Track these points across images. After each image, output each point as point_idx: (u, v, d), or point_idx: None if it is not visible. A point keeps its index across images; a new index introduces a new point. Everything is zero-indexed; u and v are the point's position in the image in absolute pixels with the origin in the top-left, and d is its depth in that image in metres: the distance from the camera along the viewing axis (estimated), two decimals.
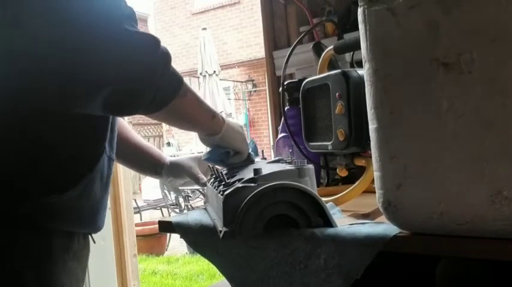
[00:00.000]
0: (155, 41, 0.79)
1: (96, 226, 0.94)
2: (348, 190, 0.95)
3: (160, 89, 0.79)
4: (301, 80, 1.13)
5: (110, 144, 0.92)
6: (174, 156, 1.27)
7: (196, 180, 1.11)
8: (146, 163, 1.15)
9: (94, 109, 0.77)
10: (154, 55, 0.77)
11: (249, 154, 0.99)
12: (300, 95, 1.09)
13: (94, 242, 1.02)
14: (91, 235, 0.99)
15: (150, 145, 1.18)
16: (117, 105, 0.78)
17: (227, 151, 0.96)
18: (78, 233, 0.91)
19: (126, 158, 1.16)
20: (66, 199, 0.82)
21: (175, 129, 11.13)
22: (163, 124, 11.01)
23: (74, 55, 0.70)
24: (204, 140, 0.97)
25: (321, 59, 1.15)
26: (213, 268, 3.49)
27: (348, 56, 1.17)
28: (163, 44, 0.81)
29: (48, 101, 0.77)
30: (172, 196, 6.18)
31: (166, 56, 0.79)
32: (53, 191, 0.81)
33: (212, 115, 0.92)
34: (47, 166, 0.80)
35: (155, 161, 1.15)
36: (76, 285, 0.89)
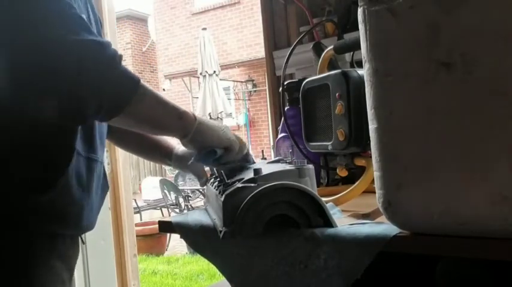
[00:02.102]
0: (100, 46, 0.76)
1: (81, 227, 0.94)
2: (348, 190, 0.95)
3: (108, 95, 0.76)
4: (301, 80, 1.13)
5: (89, 144, 0.91)
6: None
7: (198, 177, 1.09)
8: (156, 153, 1.14)
9: (49, 117, 0.77)
10: (96, 61, 0.75)
11: (248, 153, 0.96)
12: (300, 95, 1.09)
13: (83, 242, 1.02)
14: (80, 236, 1.00)
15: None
16: (66, 113, 0.76)
17: (213, 150, 0.90)
18: (63, 234, 0.91)
19: (136, 148, 1.16)
20: (43, 200, 0.83)
21: None
22: None
23: (18, 64, 0.73)
24: (183, 144, 0.92)
25: (321, 59, 1.15)
26: (213, 268, 3.49)
27: (348, 56, 1.17)
28: (113, 48, 0.78)
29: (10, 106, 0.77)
30: (172, 196, 6.18)
31: (112, 61, 0.76)
32: (27, 193, 0.82)
33: (178, 116, 0.86)
34: (18, 167, 0.81)
35: (164, 151, 1.12)
36: (61, 285, 0.89)
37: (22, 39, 0.72)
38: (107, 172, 1.13)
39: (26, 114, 0.80)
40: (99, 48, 0.75)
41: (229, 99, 9.29)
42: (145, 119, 0.84)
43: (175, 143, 1.12)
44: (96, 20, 1.02)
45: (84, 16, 0.88)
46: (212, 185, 0.91)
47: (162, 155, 1.12)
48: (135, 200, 5.34)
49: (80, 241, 1.01)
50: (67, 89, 0.73)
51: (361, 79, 0.84)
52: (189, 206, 6.02)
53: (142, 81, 0.80)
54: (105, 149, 1.11)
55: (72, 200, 0.87)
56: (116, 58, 0.77)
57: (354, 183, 0.96)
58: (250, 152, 0.99)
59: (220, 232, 0.74)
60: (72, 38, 0.73)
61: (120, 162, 2.26)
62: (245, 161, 0.96)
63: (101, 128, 0.99)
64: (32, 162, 0.83)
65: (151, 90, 0.82)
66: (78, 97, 0.74)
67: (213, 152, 0.90)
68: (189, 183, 6.55)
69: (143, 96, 0.80)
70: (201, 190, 5.81)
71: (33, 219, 0.84)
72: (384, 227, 0.68)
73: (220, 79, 8.00)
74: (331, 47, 1.10)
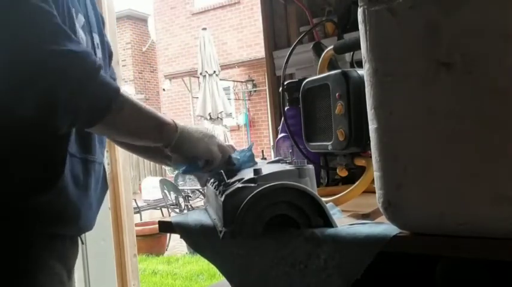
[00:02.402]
0: (78, 56, 0.76)
1: (80, 227, 0.94)
2: (348, 190, 0.95)
3: (85, 106, 0.76)
4: (301, 80, 1.13)
5: (86, 146, 0.91)
6: None
7: (198, 177, 1.09)
8: (157, 153, 1.14)
9: (29, 123, 0.78)
10: (73, 73, 0.74)
11: (230, 157, 0.93)
12: (300, 95, 1.09)
13: (83, 243, 1.02)
14: (79, 236, 1.00)
15: None
16: (43, 121, 0.77)
17: (195, 160, 0.90)
18: (63, 234, 0.91)
19: (137, 147, 1.16)
20: (42, 201, 0.83)
21: None
22: None
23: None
24: (167, 152, 0.91)
25: (321, 59, 1.15)
26: (213, 268, 3.49)
27: (348, 56, 1.17)
28: (93, 57, 0.78)
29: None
30: (172, 196, 6.18)
31: (90, 72, 0.76)
32: (26, 193, 0.82)
33: (159, 126, 0.86)
34: (18, 168, 0.82)
35: (165, 151, 1.13)
36: (59, 286, 0.89)
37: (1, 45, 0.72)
38: (107, 172, 1.12)
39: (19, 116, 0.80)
40: (78, 58, 0.75)
41: (229, 99, 9.29)
42: (124, 129, 0.84)
43: None
44: (98, 19, 1.02)
45: (80, 15, 0.88)
46: (212, 185, 0.91)
47: (163, 155, 1.12)
48: (135, 200, 5.34)
49: (79, 241, 1.01)
50: (42, 98, 0.74)
51: (361, 79, 0.84)
52: (189, 206, 6.02)
53: (122, 90, 0.80)
54: (105, 150, 1.10)
55: (69, 201, 0.87)
56: (95, 68, 0.76)
57: (354, 183, 0.96)
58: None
59: (220, 232, 0.74)
60: (50, 48, 0.72)
61: (120, 162, 2.26)
62: (228, 165, 0.93)
63: None
64: (31, 163, 0.83)
65: (132, 100, 0.82)
66: (53, 107, 0.74)
67: (194, 163, 0.90)
68: (189, 183, 6.55)
69: (122, 107, 0.80)
70: (201, 190, 5.81)
71: (33, 220, 0.84)
72: (384, 227, 0.68)
73: (220, 79, 8.00)
74: (331, 47, 1.10)
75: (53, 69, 0.73)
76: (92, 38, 0.95)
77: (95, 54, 0.95)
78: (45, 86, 0.73)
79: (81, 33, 0.88)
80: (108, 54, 1.07)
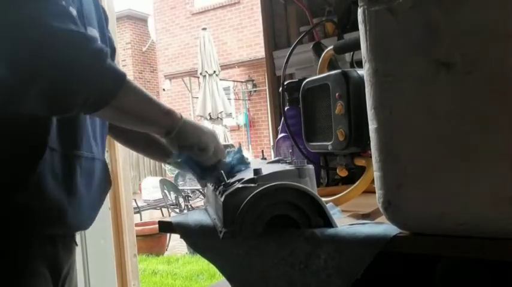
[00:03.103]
0: (85, 38, 0.76)
1: (69, 227, 0.93)
2: (348, 190, 0.95)
3: (95, 88, 0.76)
4: (301, 80, 1.13)
5: (71, 140, 0.90)
6: None
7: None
8: (156, 150, 1.14)
9: (31, 107, 0.76)
10: (83, 53, 0.75)
11: (219, 160, 0.93)
12: (300, 95, 1.09)
13: (76, 244, 1.02)
14: (73, 238, 0.99)
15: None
16: (52, 102, 0.76)
17: (192, 150, 0.91)
18: (52, 234, 0.90)
19: (136, 144, 1.16)
20: (20, 200, 0.82)
21: None
22: None
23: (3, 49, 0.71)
24: (166, 141, 0.92)
25: (321, 59, 1.15)
26: (213, 268, 3.49)
27: (348, 56, 1.17)
28: (100, 43, 0.78)
29: None
30: (172, 196, 6.18)
31: (99, 53, 0.76)
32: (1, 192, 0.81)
33: (164, 112, 0.87)
34: None
35: (165, 149, 1.10)
36: (43, 283, 0.88)
37: (5, 21, 0.71)
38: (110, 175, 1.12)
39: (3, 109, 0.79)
40: (86, 40, 0.75)
41: (229, 99, 9.29)
42: (130, 112, 0.84)
43: None
44: (99, 15, 1.02)
45: (71, 8, 0.87)
46: (212, 185, 0.91)
47: (162, 153, 1.11)
48: (135, 200, 5.34)
49: (74, 243, 1.00)
50: (55, 77, 0.73)
51: (361, 79, 0.84)
52: (189, 206, 6.02)
53: (127, 77, 0.81)
54: (106, 150, 1.09)
55: (48, 198, 0.85)
56: (103, 52, 0.77)
57: (354, 183, 0.96)
58: (248, 154, 0.98)
59: (220, 232, 0.74)
60: (59, 26, 0.72)
61: (120, 162, 2.26)
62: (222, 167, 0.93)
63: (93, 123, 0.98)
64: (7, 156, 0.82)
65: (137, 86, 0.83)
66: (67, 86, 0.74)
67: (190, 151, 0.91)
68: (189, 183, 6.55)
69: (129, 91, 0.80)
70: (201, 190, 5.81)
71: (16, 219, 0.83)
72: (384, 227, 0.68)
73: (220, 79, 8.00)
74: (331, 47, 1.10)
75: (65, 48, 0.73)
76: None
77: None
78: (55, 65, 0.72)
79: None
80: (111, 51, 1.07)
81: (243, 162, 0.94)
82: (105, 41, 1.03)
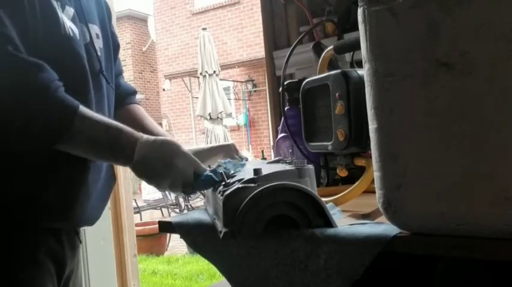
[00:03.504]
0: (34, 68, 0.75)
1: (74, 222, 0.94)
2: (348, 190, 0.95)
3: (39, 132, 0.76)
4: (301, 80, 1.13)
5: None
6: None
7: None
8: None
9: None
10: (26, 90, 0.75)
11: (220, 172, 0.85)
12: (300, 95, 1.09)
13: (80, 242, 1.02)
14: (78, 234, 0.99)
15: (164, 133, 1.14)
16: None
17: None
18: (57, 228, 0.91)
19: None
20: (26, 195, 0.83)
21: (174, 129, 11.14)
22: (163, 123, 11.02)
23: None
24: None
25: (321, 59, 1.15)
26: (213, 268, 3.49)
27: (348, 56, 1.17)
28: (48, 71, 0.76)
29: None
30: (172, 196, 6.18)
31: (43, 92, 0.75)
32: (9, 182, 0.82)
33: (115, 152, 0.84)
34: None
35: None
36: (48, 279, 0.88)
37: None
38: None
39: None
40: (33, 70, 0.75)
41: (229, 99, 9.29)
42: (82, 152, 0.84)
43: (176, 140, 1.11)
44: (101, 11, 1.02)
45: (68, 7, 0.87)
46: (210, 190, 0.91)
47: None
48: (135, 200, 5.34)
49: (77, 240, 1.00)
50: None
51: (361, 79, 0.84)
52: (189, 206, 6.02)
53: (80, 108, 0.79)
54: None
55: (56, 194, 0.86)
56: (50, 80, 0.76)
57: (354, 183, 0.96)
58: (248, 154, 0.96)
59: (220, 232, 0.74)
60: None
61: None
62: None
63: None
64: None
65: (88, 125, 0.81)
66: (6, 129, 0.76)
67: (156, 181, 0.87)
68: None
69: (76, 134, 0.79)
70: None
71: (20, 213, 0.84)
72: (384, 227, 0.68)
73: (220, 79, 8.00)
74: (331, 47, 1.10)
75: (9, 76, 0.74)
76: (88, 29, 0.94)
77: (94, 45, 0.95)
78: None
79: (70, 24, 0.88)
80: (114, 47, 1.07)
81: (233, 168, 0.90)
82: (107, 37, 1.03)
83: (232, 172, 0.88)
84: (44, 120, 0.76)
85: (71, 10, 0.89)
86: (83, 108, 0.81)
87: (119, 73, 1.14)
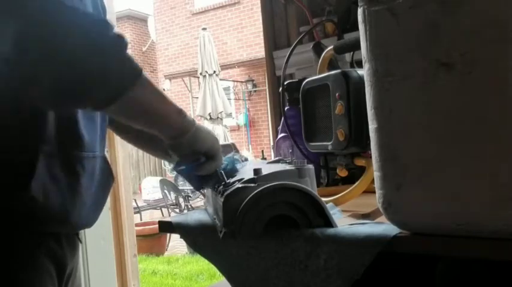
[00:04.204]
0: (103, 22, 0.72)
1: (73, 226, 0.92)
2: (348, 190, 0.95)
3: (113, 79, 0.71)
4: (301, 80, 1.13)
5: (72, 141, 0.88)
6: None
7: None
8: (158, 146, 1.12)
9: (37, 96, 0.72)
10: (102, 39, 0.70)
11: (220, 172, 0.87)
12: (300, 95, 1.09)
13: (81, 242, 1.02)
14: (77, 235, 0.99)
15: None
16: (63, 91, 0.70)
17: (198, 157, 0.86)
18: (56, 232, 0.90)
19: (136, 139, 1.14)
20: (21, 201, 0.81)
21: None
22: None
23: (19, 37, 0.66)
24: (171, 146, 0.87)
25: (321, 59, 1.15)
26: (213, 268, 3.49)
27: (348, 56, 1.17)
28: (119, 31, 0.74)
29: None
30: (172, 196, 6.18)
31: (119, 42, 0.72)
32: (3, 193, 0.80)
33: (178, 111, 0.83)
34: None
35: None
36: (49, 282, 0.88)
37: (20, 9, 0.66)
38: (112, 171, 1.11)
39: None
40: (104, 26, 0.72)
41: (229, 99, 9.29)
42: (144, 108, 0.80)
43: None
44: (98, 12, 1.01)
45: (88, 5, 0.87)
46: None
47: (163, 149, 1.10)
48: (135, 200, 5.34)
49: (77, 240, 1.00)
50: (67, 63, 0.68)
51: (361, 79, 0.84)
52: (189, 206, 6.02)
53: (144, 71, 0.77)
54: (106, 150, 1.09)
55: (51, 199, 0.84)
56: (123, 41, 0.73)
57: (354, 183, 0.96)
58: (248, 154, 0.97)
59: (220, 232, 0.74)
60: (73, 6, 0.70)
61: (120, 162, 2.26)
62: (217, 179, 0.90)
63: (92, 120, 0.97)
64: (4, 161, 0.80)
65: (152, 82, 0.80)
66: (81, 73, 0.69)
67: (198, 160, 0.86)
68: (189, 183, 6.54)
69: (145, 85, 0.77)
70: (201, 190, 5.80)
71: (17, 218, 0.83)
72: (384, 227, 0.68)
73: (220, 79, 8.00)
74: (331, 47, 1.10)
75: (78, 30, 0.69)
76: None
77: None
78: (68, 49, 0.68)
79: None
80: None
81: (236, 162, 0.93)
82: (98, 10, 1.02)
83: (238, 166, 0.91)
84: (120, 67, 0.73)
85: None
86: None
87: None
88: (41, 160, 0.81)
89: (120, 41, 0.73)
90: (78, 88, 0.71)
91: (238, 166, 0.93)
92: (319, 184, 1.20)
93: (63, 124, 0.85)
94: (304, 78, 1.09)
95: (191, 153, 0.86)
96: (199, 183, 0.91)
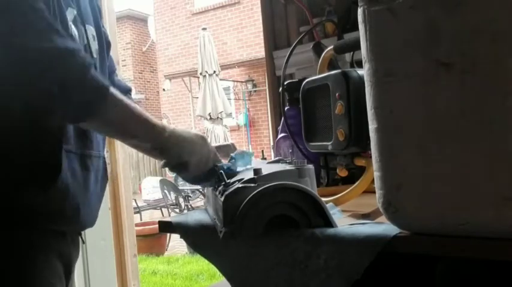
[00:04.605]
0: (68, 51, 0.75)
1: (81, 224, 0.94)
2: (348, 190, 0.95)
3: (77, 100, 0.76)
4: (301, 80, 1.13)
5: (85, 141, 0.91)
6: None
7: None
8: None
9: (20, 112, 0.79)
10: (66, 67, 0.75)
11: (220, 173, 0.87)
12: (300, 95, 1.09)
13: (84, 242, 1.02)
14: (80, 235, 1.00)
15: None
16: (36, 111, 0.78)
17: (183, 162, 0.89)
18: (64, 231, 0.91)
19: None
20: (40, 199, 0.83)
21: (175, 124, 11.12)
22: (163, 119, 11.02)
23: None
24: (153, 156, 0.91)
25: (321, 59, 1.15)
26: (213, 268, 3.48)
27: (348, 56, 1.17)
28: (83, 54, 0.78)
29: None
30: (172, 195, 6.18)
31: (82, 66, 0.76)
32: (25, 191, 0.82)
33: (151, 125, 0.85)
34: (16, 166, 0.82)
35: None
36: (59, 281, 0.89)
37: None
38: (107, 171, 1.12)
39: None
40: (70, 55, 0.75)
41: (229, 99, 9.29)
42: (113, 127, 0.84)
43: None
44: (94, 10, 1.01)
45: (70, 9, 0.87)
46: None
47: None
48: (135, 200, 5.34)
49: (80, 240, 1.01)
50: (33, 93, 0.75)
51: (361, 79, 0.84)
52: (189, 206, 6.02)
53: (112, 89, 0.80)
54: (106, 150, 1.10)
55: (69, 198, 0.87)
56: (86, 64, 0.76)
57: (354, 183, 0.96)
58: (253, 153, 0.97)
59: (220, 232, 0.74)
60: (36, 46, 0.73)
61: (120, 162, 2.26)
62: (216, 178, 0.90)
63: None
64: (27, 161, 0.83)
65: (122, 99, 0.82)
66: (44, 102, 0.75)
67: (183, 165, 0.89)
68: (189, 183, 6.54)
69: (112, 105, 0.79)
70: (201, 190, 5.81)
71: (33, 217, 0.84)
72: (384, 227, 0.68)
73: (220, 79, 7.99)
74: (331, 47, 1.10)
75: (45, 66, 0.74)
76: (86, 30, 0.95)
77: (90, 46, 0.95)
78: (36, 82, 0.73)
79: (72, 27, 0.88)
80: (106, 45, 1.07)
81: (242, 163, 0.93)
82: (101, 37, 1.03)
83: (241, 163, 0.92)
84: (82, 91, 0.77)
85: (73, 12, 0.90)
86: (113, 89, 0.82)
87: (112, 71, 1.14)
88: (63, 157, 0.85)
89: (82, 67, 0.76)
90: (47, 110, 0.78)
91: (242, 164, 0.92)
92: (319, 184, 1.20)
93: (74, 126, 0.88)
94: (304, 78, 1.09)
95: (175, 162, 0.89)
96: (192, 182, 0.93)
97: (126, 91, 1.17)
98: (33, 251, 0.85)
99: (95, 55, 0.97)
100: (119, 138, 0.92)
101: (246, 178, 0.77)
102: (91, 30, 0.97)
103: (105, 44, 1.05)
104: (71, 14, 0.89)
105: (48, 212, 0.86)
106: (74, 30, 0.89)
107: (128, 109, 0.83)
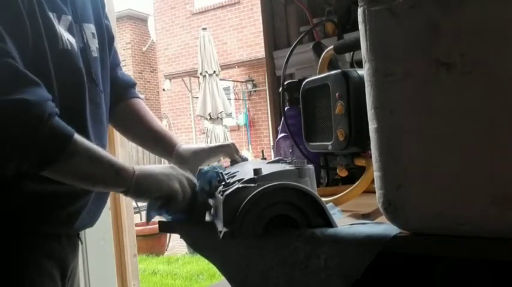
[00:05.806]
0: (24, 105, 0.74)
1: (75, 227, 0.94)
2: (348, 190, 0.95)
3: (30, 155, 0.75)
4: (301, 80, 1.13)
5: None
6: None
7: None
8: (159, 147, 1.13)
9: None
10: (19, 120, 0.74)
11: (194, 192, 0.87)
12: (300, 95, 1.09)
13: (81, 243, 1.02)
14: (78, 235, 1.00)
15: (164, 129, 1.14)
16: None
17: (156, 199, 0.87)
18: (57, 233, 0.91)
19: (140, 139, 1.15)
20: (26, 203, 0.83)
21: (174, 129, 11.14)
22: (163, 123, 11.02)
23: None
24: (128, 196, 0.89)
25: (321, 59, 1.15)
26: (213, 268, 3.49)
27: (348, 56, 1.17)
28: (44, 104, 0.76)
29: None
30: None
31: (37, 121, 0.75)
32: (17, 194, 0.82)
33: (115, 172, 0.83)
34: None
35: (166, 147, 1.10)
36: (50, 281, 0.88)
37: None
38: None
39: None
40: (28, 107, 0.74)
41: (229, 99, 9.29)
42: (76, 176, 0.82)
43: (178, 140, 1.11)
44: (96, 7, 1.01)
45: (64, 16, 0.86)
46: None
47: (164, 149, 1.11)
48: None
49: (78, 240, 1.01)
50: None
51: (361, 79, 0.84)
52: None
53: (75, 136, 0.79)
54: (106, 150, 1.10)
55: (56, 203, 0.87)
56: (44, 116, 0.75)
57: (354, 183, 0.96)
58: (248, 154, 0.97)
59: (220, 232, 0.74)
60: (2, 98, 0.72)
61: None
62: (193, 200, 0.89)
63: (100, 127, 0.98)
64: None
65: (85, 147, 0.80)
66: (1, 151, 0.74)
67: (155, 202, 0.87)
68: None
69: (71, 155, 0.78)
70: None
71: (20, 220, 0.84)
72: (384, 227, 0.68)
73: (220, 79, 7.99)
74: (331, 47, 1.10)
75: (1, 118, 0.73)
76: (83, 33, 0.94)
77: (89, 46, 0.94)
78: None
79: (67, 36, 0.87)
80: (109, 39, 1.06)
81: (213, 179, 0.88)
82: (102, 32, 1.02)
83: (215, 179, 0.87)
84: (39, 143, 0.76)
85: (67, 18, 0.88)
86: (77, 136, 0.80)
87: (116, 65, 1.14)
88: None
89: (39, 119, 0.74)
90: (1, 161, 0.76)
91: (215, 180, 0.87)
92: (319, 184, 1.20)
93: (77, 130, 0.86)
94: (304, 78, 1.09)
95: (151, 198, 0.87)
96: (183, 217, 0.90)
97: (131, 85, 1.16)
98: (23, 253, 0.84)
99: (95, 54, 0.97)
100: (85, 185, 0.88)
101: (246, 178, 0.77)
102: (90, 28, 0.96)
103: (107, 39, 1.04)
104: (65, 21, 0.88)
105: (37, 216, 0.85)
106: (70, 39, 0.88)
107: (91, 156, 0.81)
